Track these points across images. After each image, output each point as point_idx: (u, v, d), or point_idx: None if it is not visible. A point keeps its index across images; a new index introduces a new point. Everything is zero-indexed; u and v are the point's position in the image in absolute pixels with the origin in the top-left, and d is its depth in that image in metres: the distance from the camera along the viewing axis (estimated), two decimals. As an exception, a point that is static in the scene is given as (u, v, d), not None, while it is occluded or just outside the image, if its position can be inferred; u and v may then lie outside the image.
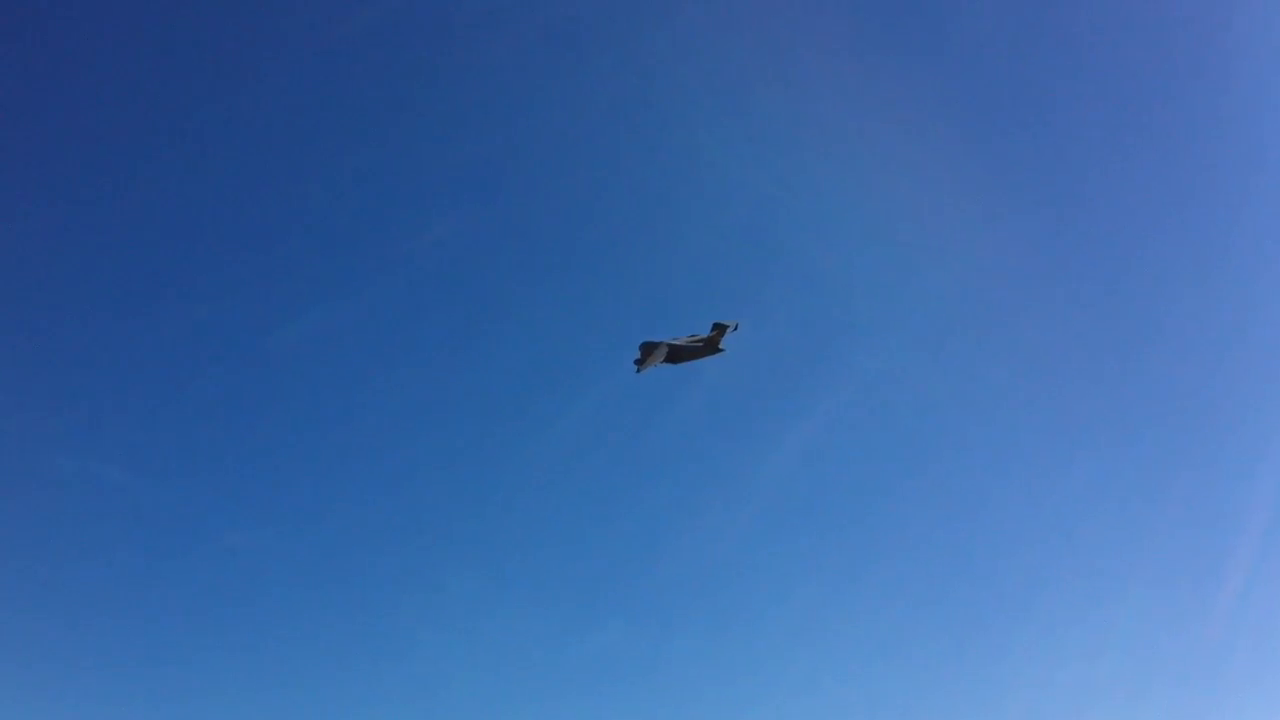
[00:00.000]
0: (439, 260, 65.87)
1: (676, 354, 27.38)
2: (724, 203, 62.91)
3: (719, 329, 27.46)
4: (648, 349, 27.28)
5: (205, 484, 59.19)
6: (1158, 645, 57.05)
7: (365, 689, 54.82)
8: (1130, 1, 63.58)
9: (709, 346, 27.52)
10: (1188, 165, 65.51)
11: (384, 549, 60.46)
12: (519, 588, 58.73)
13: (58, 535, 58.09)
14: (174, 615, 56.86)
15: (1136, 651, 56.67)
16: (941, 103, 64.32)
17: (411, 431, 62.44)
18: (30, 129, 60.18)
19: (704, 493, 62.74)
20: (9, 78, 59.45)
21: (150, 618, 57.01)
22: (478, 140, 64.25)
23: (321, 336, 63.13)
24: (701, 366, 28.02)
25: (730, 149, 64.20)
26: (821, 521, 62.68)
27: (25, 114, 60.43)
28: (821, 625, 59.59)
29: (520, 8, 61.84)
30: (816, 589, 60.43)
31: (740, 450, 62.79)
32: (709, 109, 63.92)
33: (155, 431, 58.52)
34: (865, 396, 63.16)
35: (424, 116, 64.54)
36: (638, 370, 27.04)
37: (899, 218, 63.61)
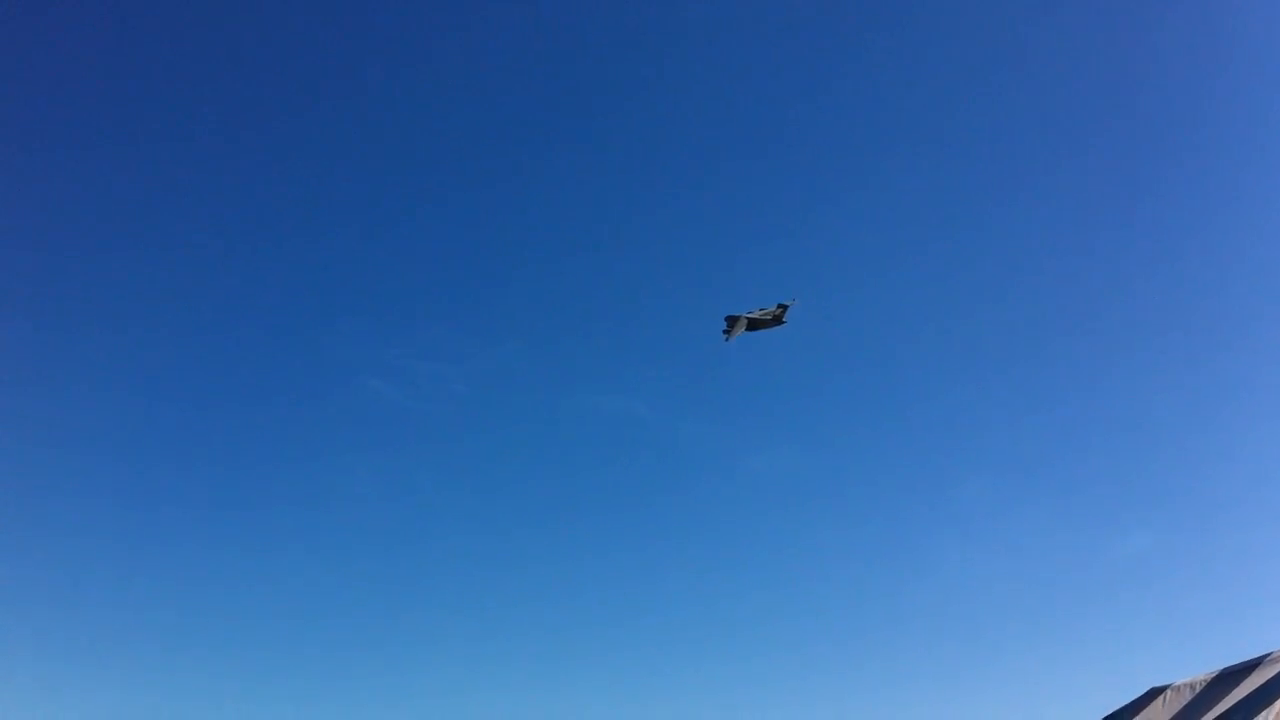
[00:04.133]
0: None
1: (753, 324, 31.92)
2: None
3: (782, 306, 32.23)
4: (731, 320, 31.90)
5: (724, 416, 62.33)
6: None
7: (893, 598, 54.13)
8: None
9: (775, 320, 32.06)
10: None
11: (895, 460, 60.90)
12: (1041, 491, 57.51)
13: (586, 461, 62.75)
14: (696, 531, 59.86)
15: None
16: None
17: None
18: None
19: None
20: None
21: (667, 534, 60.39)
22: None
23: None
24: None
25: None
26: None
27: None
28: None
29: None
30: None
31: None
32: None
33: (669, 373, 62.33)
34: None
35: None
36: (726, 339, 31.90)
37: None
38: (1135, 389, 64.75)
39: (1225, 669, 12.96)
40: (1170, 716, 13.82)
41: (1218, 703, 13.12)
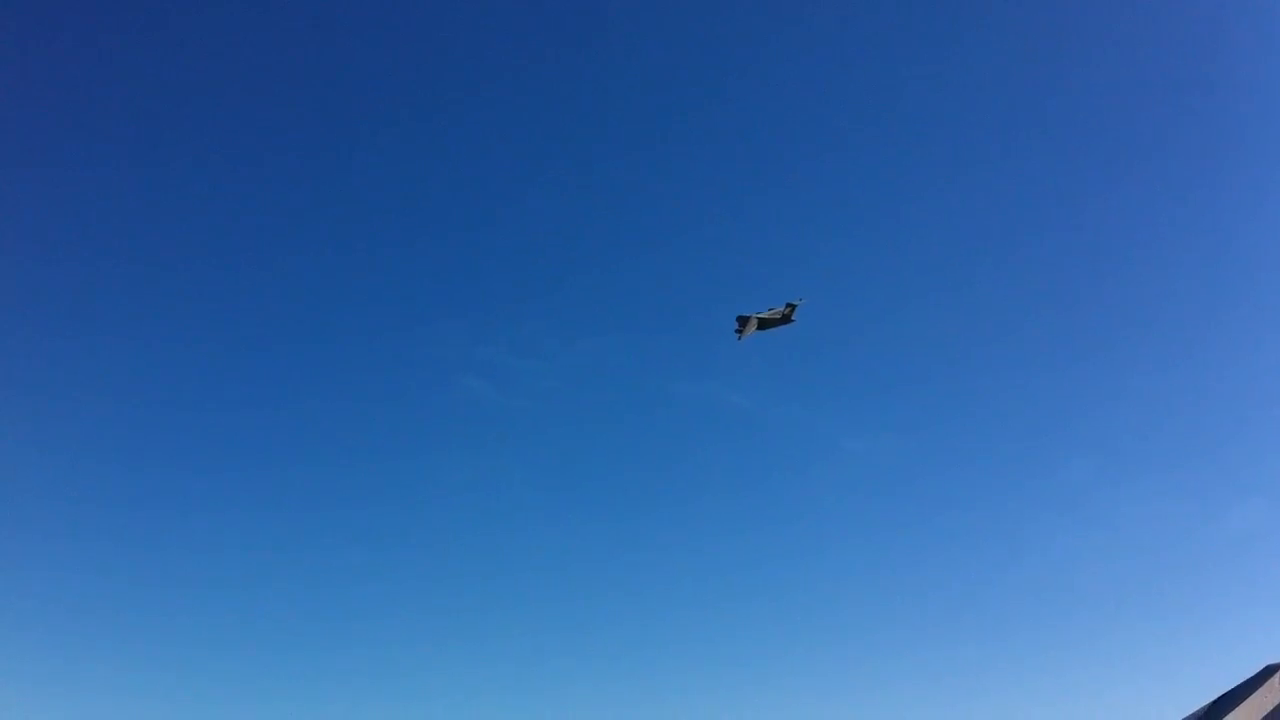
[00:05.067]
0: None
1: (764, 324, 33.21)
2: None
3: (790, 306, 33.69)
4: (742, 321, 33.35)
5: (821, 402, 65.36)
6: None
7: (999, 579, 56.58)
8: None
9: (784, 319, 33.49)
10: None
11: (997, 442, 63.39)
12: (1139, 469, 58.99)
13: (679, 449, 67.81)
14: (796, 514, 63.83)
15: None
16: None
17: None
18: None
19: None
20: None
21: (767, 518, 64.20)
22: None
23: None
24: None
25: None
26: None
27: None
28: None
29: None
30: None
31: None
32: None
33: (758, 360, 66.61)
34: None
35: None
36: (739, 338, 33.01)
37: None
38: (1238, 357, 65.76)
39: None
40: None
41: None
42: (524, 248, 79.00)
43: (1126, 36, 67.45)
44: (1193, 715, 27.35)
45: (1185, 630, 56.44)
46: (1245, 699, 19.66)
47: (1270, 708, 21.57)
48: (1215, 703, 22.65)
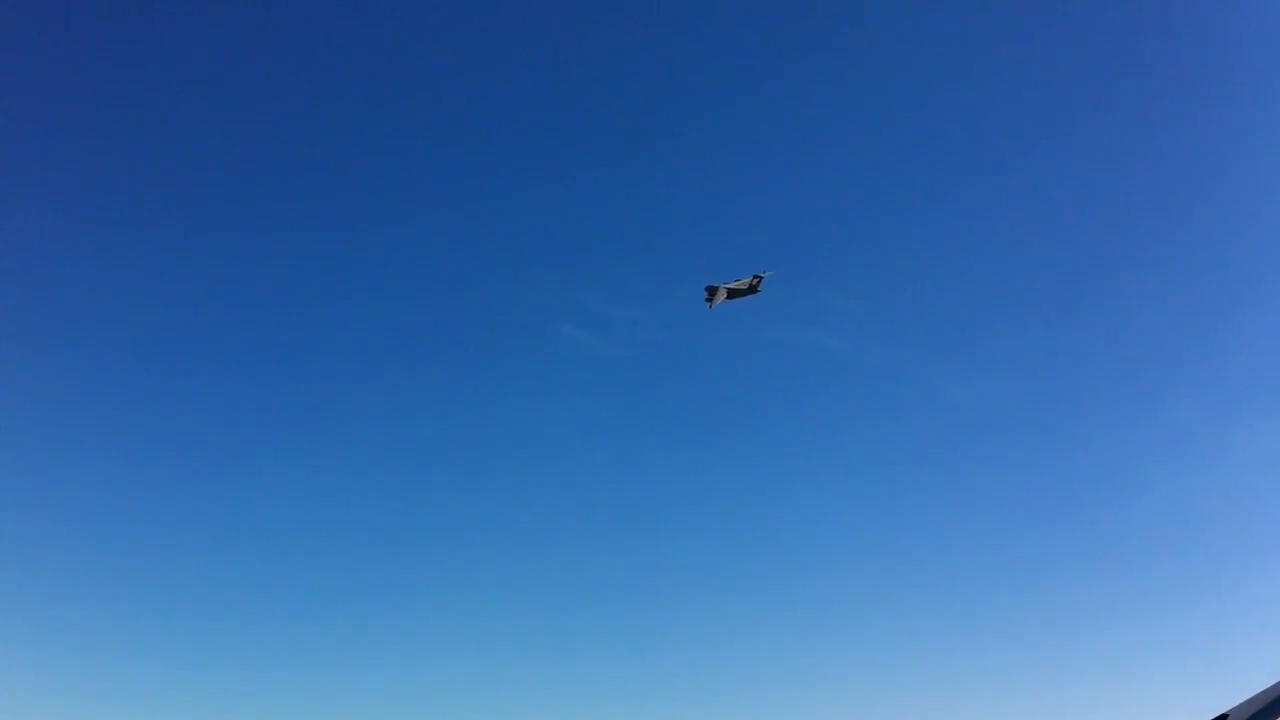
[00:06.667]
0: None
1: (732, 293, 35.18)
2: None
3: (757, 277, 35.57)
4: (711, 290, 35.17)
5: (921, 345, 65.23)
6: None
7: (1104, 524, 56.03)
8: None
9: (751, 289, 35.34)
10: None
11: (1102, 382, 62.14)
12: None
13: (780, 390, 69.49)
14: (898, 459, 63.39)
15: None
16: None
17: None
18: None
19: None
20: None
21: (869, 462, 64.31)
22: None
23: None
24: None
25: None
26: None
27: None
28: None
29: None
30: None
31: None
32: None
33: (856, 303, 66.28)
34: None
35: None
36: (710, 306, 35.18)
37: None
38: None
39: None
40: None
41: None
42: (620, 194, 77.49)
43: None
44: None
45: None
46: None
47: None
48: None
